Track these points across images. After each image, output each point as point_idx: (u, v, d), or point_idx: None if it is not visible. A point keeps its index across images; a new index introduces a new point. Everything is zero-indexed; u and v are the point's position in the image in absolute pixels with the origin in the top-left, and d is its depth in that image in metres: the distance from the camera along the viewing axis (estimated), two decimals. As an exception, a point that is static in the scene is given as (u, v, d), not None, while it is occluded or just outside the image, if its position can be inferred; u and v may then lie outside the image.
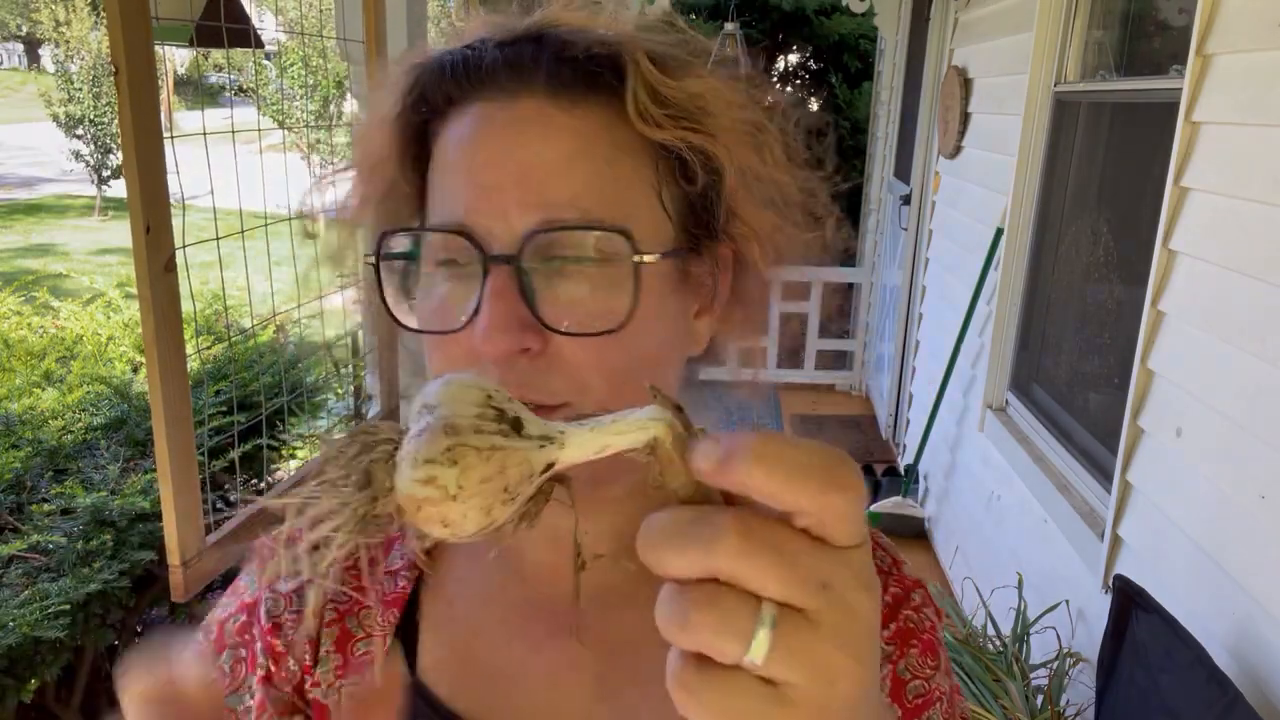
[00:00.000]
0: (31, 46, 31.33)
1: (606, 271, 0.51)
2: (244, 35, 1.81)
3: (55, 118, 14.04)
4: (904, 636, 0.56)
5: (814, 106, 6.88)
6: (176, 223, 0.90)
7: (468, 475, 0.33)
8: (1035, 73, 2.75)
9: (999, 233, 3.03)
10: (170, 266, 0.90)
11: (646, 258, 0.50)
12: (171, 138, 0.92)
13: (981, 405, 3.07)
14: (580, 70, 0.51)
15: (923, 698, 0.56)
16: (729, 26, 5.02)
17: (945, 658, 0.58)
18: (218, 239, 1.04)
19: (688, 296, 0.57)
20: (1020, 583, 2.24)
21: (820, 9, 6.31)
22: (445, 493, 0.33)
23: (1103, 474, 2.21)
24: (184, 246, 0.91)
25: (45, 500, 2.67)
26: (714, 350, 0.62)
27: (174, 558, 0.99)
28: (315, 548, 0.34)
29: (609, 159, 0.52)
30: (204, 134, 0.99)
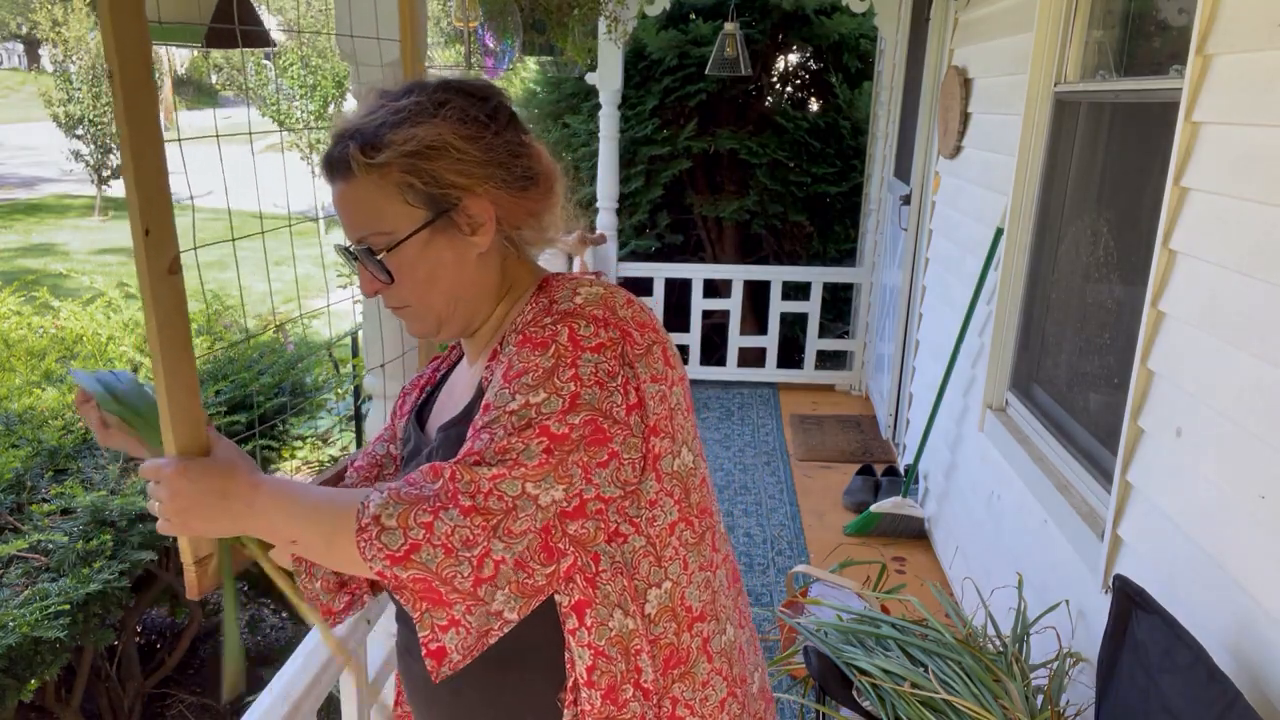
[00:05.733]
0: (31, 46, 31.31)
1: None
2: (257, 36, 1.80)
3: (55, 118, 14.03)
4: (522, 341, 0.97)
5: (814, 106, 6.85)
6: (184, 223, 0.90)
7: None
8: (1035, 73, 2.75)
9: (999, 233, 3.03)
10: (174, 269, 0.89)
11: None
12: (179, 140, 0.92)
13: (981, 405, 3.08)
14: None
15: (516, 368, 0.94)
16: (729, 26, 5.01)
17: (562, 355, 0.94)
18: (233, 239, 1.04)
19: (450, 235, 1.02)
20: (1020, 583, 2.24)
21: (820, 9, 6.29)
22: None
23: (1103, 474, 2.21)
24: (195, 248, 0.92)
25: (45, 500, 2.67)
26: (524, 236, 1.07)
27: (187, 556, 1.00)
28: None
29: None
30: (216, 136, 1.00)
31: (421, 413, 1.20)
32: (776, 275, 5.59)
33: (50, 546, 2.50)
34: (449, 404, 1.15)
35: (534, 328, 0.97)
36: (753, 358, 5.69)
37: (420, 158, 0.97)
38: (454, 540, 0.88)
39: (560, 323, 0.96)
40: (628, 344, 0.97)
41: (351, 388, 4.44)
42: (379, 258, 1.01)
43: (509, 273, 1.08)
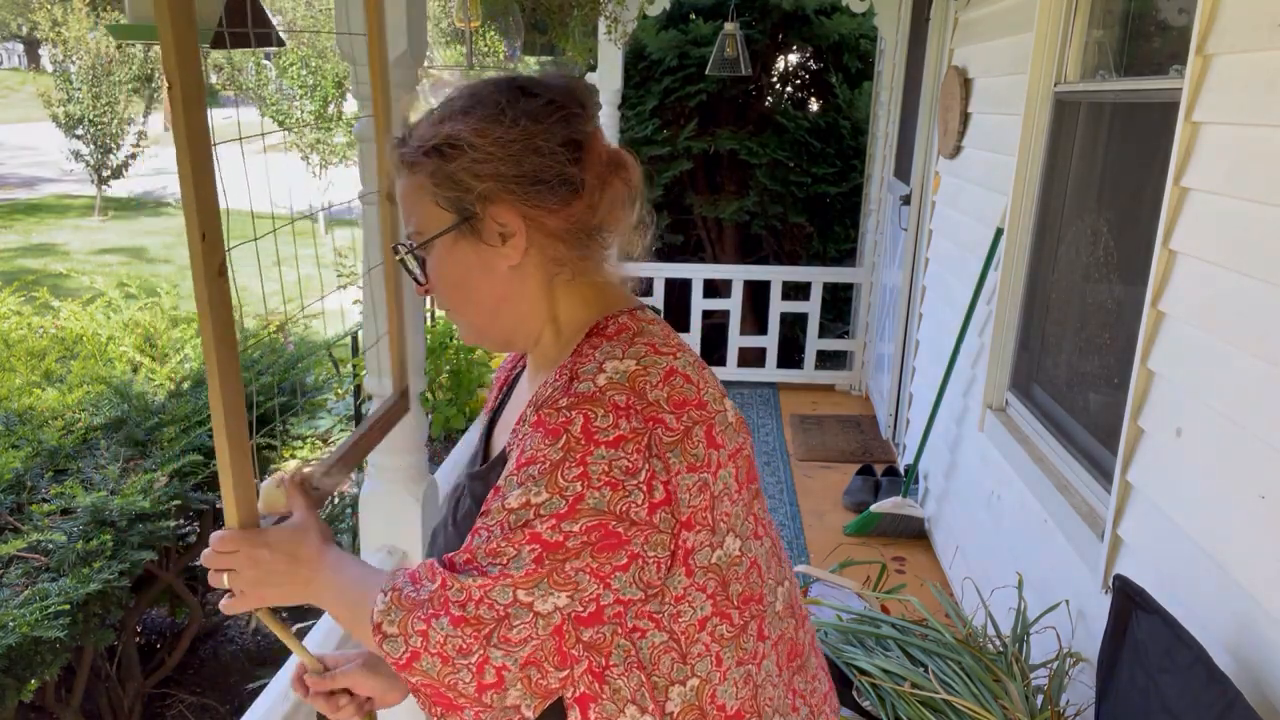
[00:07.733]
0: (31, 46, 31.31)
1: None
2: (266, 37, 1.80)
3: (55, 118, 14.00)
4: (536, 424, 0.88)
5: (814, 106, 6.84)
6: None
7: None
8: (1035, 73, 2.75)
9: (999, 233, 3.03)
10: (222, 271, 0.92)
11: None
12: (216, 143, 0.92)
13: (981, 405, 3.08)
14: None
15: (526, 455, 0.87)
16: (729, 26, 5.01)
17: (572, 448, 0.85)
18: (275, 234, 1.05)
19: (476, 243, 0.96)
20: (1020, 583, 2.24)
21: (820, 9, 6.30)
22: None
23: (1103, 474, 2.21)
24: (230, 248, 0.94)
25: (45, 500, 2.67)
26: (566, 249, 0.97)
27: None
28: None
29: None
30: (240, 139, 1.00)
31: (495, 416, 1.16)
32: (776, 275, 5.59)
33: (50, 546, 2.50)
34: (504, 427, 1.10)
35: (549, 409, 0.88)
36: (753, 358, 5.69)
37: (439, 156, 0.92)
38: (448, 649, 0.86)
39: (575, 409, 0.87)
40: (658, 432, 0.88)
41: (351, 388, 4.44)
42: (403, 256, 1.00)
43: (559, 295, 0.99)
